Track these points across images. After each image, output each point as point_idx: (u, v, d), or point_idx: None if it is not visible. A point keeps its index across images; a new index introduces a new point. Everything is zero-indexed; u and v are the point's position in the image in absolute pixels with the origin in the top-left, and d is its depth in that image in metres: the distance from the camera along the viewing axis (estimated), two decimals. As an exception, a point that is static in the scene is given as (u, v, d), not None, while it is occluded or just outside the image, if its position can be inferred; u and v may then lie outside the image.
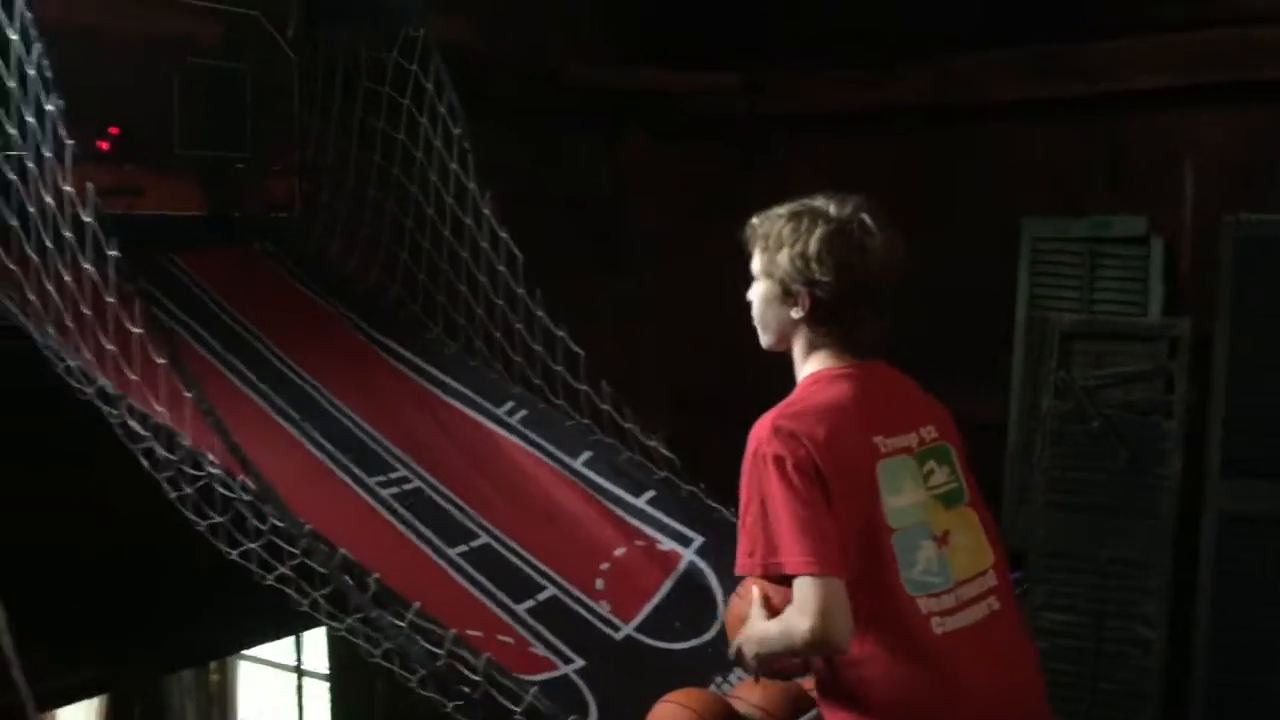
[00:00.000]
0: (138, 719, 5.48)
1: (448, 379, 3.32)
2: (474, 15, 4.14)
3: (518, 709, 2.12)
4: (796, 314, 1.91)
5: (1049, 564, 3.97)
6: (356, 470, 2.87)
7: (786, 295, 1.92)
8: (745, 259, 2.01)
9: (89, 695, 3.72)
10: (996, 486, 4.17)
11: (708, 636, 2.66)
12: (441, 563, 2.68)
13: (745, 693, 2.26)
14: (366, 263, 3.61)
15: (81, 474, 2.98)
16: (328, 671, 5.17)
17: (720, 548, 2.80)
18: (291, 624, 3.84)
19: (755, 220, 1.98)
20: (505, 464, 3.13)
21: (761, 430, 1.82)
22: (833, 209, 1.91)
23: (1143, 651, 3.82)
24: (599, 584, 2.80)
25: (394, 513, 2.78)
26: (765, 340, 1.99)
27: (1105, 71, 4.10)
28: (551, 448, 3.16)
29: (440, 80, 3.31)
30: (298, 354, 3.18)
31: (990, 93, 4.32)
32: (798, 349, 1.95)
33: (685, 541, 2.90)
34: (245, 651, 6.22)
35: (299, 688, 4.89)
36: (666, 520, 2.97)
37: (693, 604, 2.73)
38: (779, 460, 1.78)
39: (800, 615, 1.72)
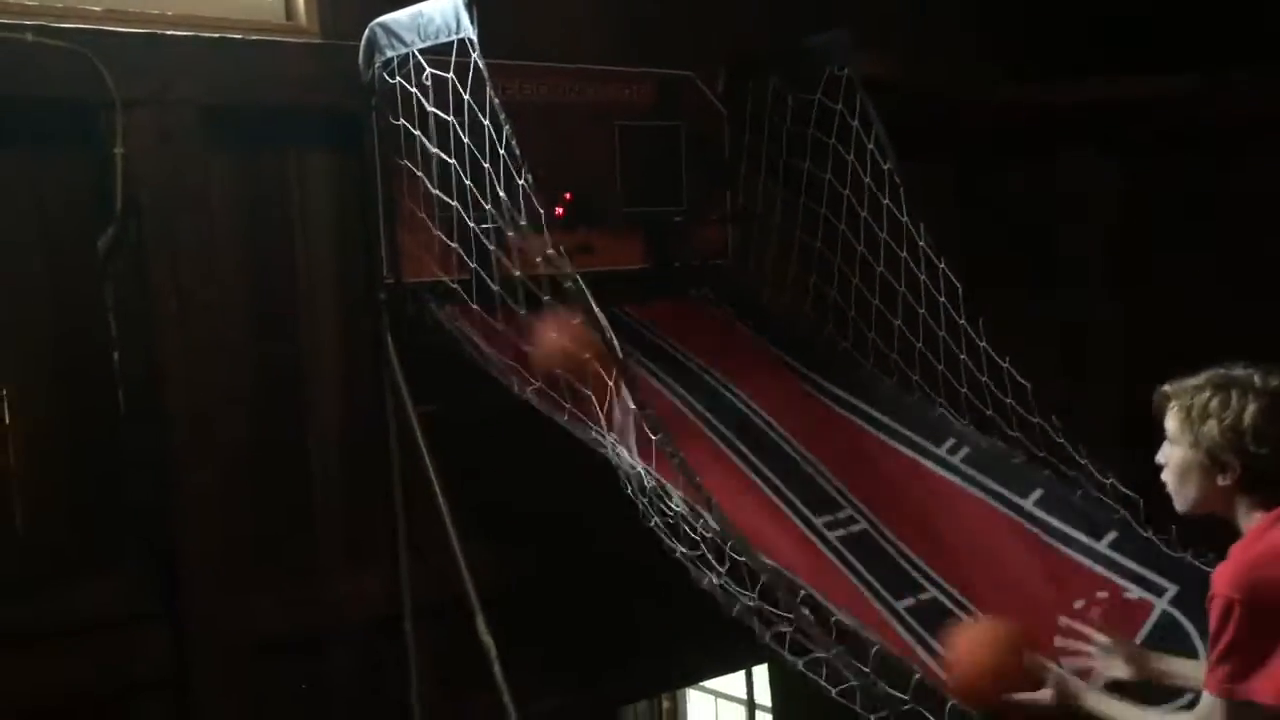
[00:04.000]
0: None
1: (885, 419, 3.27)
2: (896, 47, 4.10)
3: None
4: (1224, 481, 2.02)
5: None
6: (805, 510, 2.86)
7: (1214, 464, 2.02)
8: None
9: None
10: None
11: (1187, 699, 2.42)
12: (888, 616, 2.60)
13: None
14: (798, 302, 3.67)
15: (560, 517, 3.22)
16: (771, 705, 5.27)
17: (1196, 599, 2.55)
18: (746, 658, 3.93)
19: (1169, 388, 2.10)
20: (949, 508, 3.01)
21: (1222, 577, 1.96)
22: (1257, 380, 2.01)
23: None
24: (1058, 641, 2.56)
25: (842, 558, 2.73)
26: (1182, 504, 2.12)
27: None
28: (998, 488, 3.01)
29: (867, 116, 3.31)
30: (749, 391, 3.23)
31: None
32: (1240, 511, 2.05)
33: (1157, 591, 2.66)
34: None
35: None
36: (1132, 566, 2.74)
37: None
38: (1241, 604, 1.91)
39: None
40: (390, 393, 3.11)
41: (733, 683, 5.86)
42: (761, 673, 4.93)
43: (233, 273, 3.00)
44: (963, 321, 3.09)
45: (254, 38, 3.02)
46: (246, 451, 3.03)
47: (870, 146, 3.29)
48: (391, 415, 3.13)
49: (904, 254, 3.22)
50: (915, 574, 2.76)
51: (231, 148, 2.98)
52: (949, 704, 2.19)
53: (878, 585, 2.68)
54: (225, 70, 2.91)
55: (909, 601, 2.65)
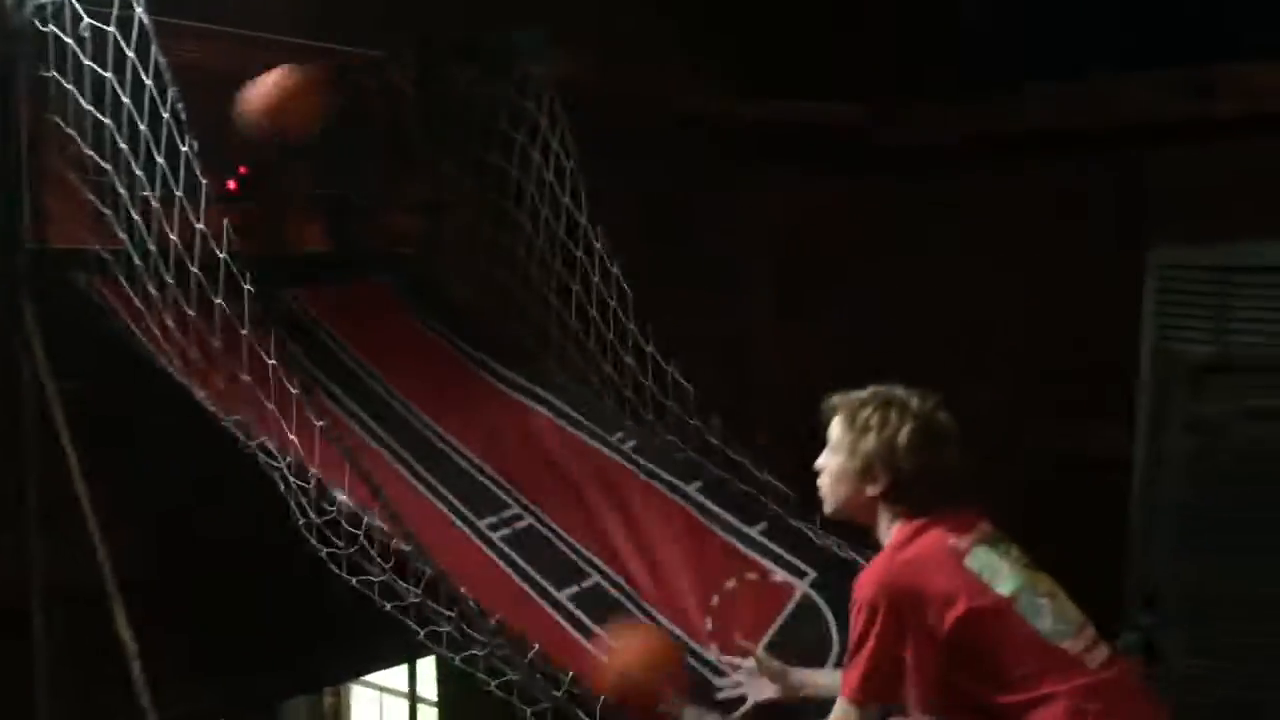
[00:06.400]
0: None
1: (561, 404, 3.34)
2: (593, 52, 4.17)
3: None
4: (872, 491, 2.18)
5: (1182, 605, 3.83)
6: (467, 513, 2.88)
7: (866, 474, 2.17)
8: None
9: None
10: (1120, 524, 4.04)
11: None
12: (549, 607, 2.67)
13: None
14: (483, 295, 3.67)
15: (212, 503, 3.07)
16: (437, 698, 5.25)
17: (836, 583, 2.76)
18: (408, 652, 3.88)
19: (837, 400, 2.25)
20: (617, 490, 3.11)
21: (867, 582, 2.11)
22: (915, 402, 2.18)
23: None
24: (708, 624, 2.74)
25: (505, 557, 2.78)
26: (830, 506, 2.28)
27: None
28: (665, 475, 3.15)
29: (555, 116, 3.35)
30: (410, 390, 3.22)
31: (1123, 115, 4.21)
32: (881, 520, 2.21)
33: (799, 574, 2.85)
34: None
35: (412, 714, 4.95)
36: (780, 551, 2.93)
37: (807, 640, 2.68)
38: (874, 608, 2.06)
39: None
40: (27, 365, 2.87)
41: (397, 677, 5.78)
42: (424, 667, 4.91)
43: None
44: (631, 325, 3.19)
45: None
46: None
47: (555, 147, 3.34)
48: (28, 388, 2.89)
49: (580, 254, 3.29)
50: (579, 562, 2.84)
51: None
52: (600, 700, 2.26)
53: (539, 578, 2.73)
54: None
55: (572, 589, 2.73)
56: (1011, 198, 4.48)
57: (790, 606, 2.78)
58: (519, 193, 3.50)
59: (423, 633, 2.37)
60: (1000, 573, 2.09)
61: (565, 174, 3.32)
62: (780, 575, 2.86)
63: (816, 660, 2.60)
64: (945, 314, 4.50)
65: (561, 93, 3.42)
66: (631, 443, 3.23)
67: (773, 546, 2.94)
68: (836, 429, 2.24)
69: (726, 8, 4.59)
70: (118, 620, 2.80)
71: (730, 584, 2.83)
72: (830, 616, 2.71)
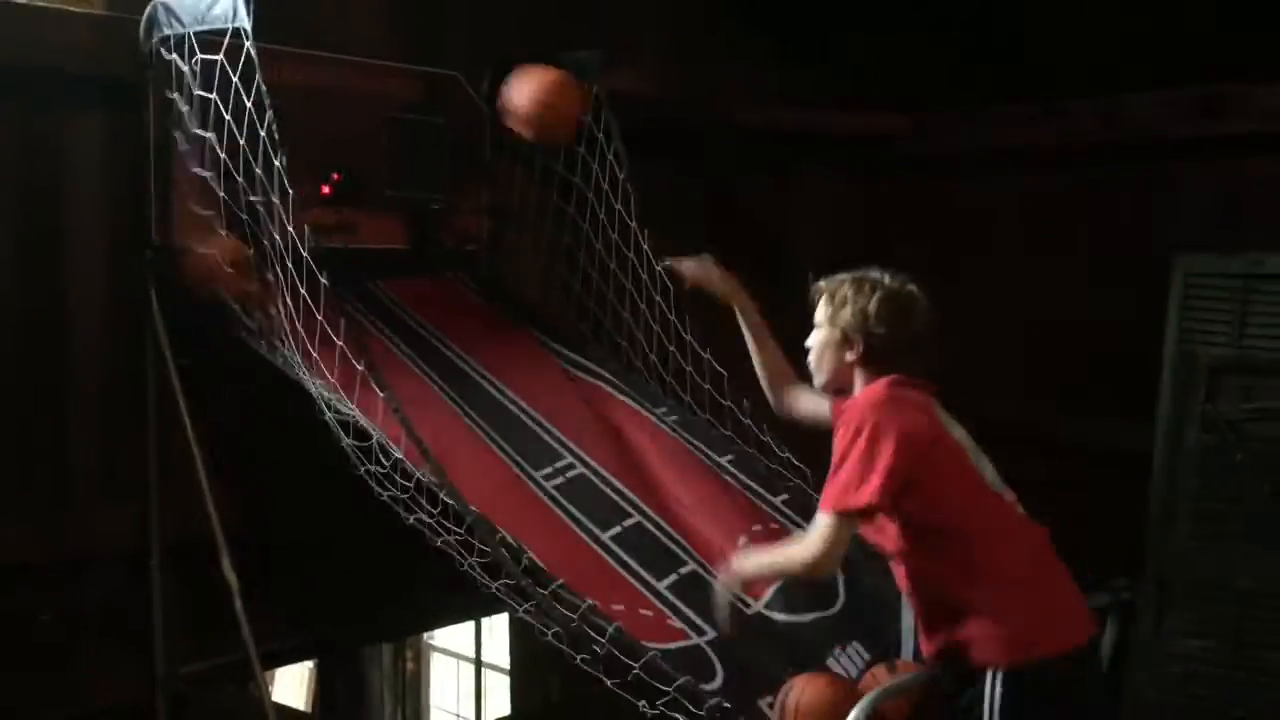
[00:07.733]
0: (341, 697, 6.10)
1: (613, 378, 3.74)
2: (652, 65, 4.55)
3: (637, 665, 2.49)
4: (850, 357, 2.50)
5: (1190, 591, 4.09)
6: (525, 465, 3.27)
7: (844, 342, 2.50)
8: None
9: (299, 660, 4.24)
10: (1141, 514, 4.28)
11: (830, 612, 3.00)
12: (594, 546, 3.04)
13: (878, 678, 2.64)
14: (543, 290, 4.07)
15: (306, 468, 3.43)
16: (508, 666, 5.68)
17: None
18: (471, 611, 4.30)
19: (822, 283, 2.57)
20: (659, 451, 3.49)
21: (854, 406, 2.44)
22: (886, 279, 2.50)
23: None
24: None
25: (556, 502, 3.16)
26: (819, 379, 2.61)
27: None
28: (701, 446, 3.54)
29: (609, 129, 3.74)
30: (478, 356, 3.64)
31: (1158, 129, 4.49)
32: (858, 383, 2.52)
33: None
34: (437, 644, 6.83)
35: (478, 678, 5.38)
36: (798, 518, 3.31)
37: (815, 588, 3.03)
38: (859, 428, 2.34)
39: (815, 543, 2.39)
40: (151, 345, 3.34)
41: (472, 646, 6.20)
42: (489, 631, 5.31)
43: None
44: (673, 317, 3.56)
45: (39, 4, 3.19)
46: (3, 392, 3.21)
47: (610, 157, 3.73)
48: (151, 365, 3.36)
49: (630, 254, 3.67)
50: (624, 504, 3.21)
51: (7, 105, 3.16)
52: (615, 625, 2.59)
53: (587, 521, 3.11)
54: (4, 32, 3.08)
55: (615, 530, 3.11)
56: (1041, 205, 4.78)
57: None
58: (578, 198, 3.89)
59: (467, 561, 2.73)
60: (954, 426, 2.47)
61: (618, 181, 3.70)
62: (797, 533, 3.19)
63: (823, 607, 2.99)
64: (975, 309, 4.79)
65: (622, 105, 3.79)
66: (674, 418, 3.62)
67: (790, 512, 3.33)
68: (821, 308, 2.58)
69: (780, 24, 4.94)
70: (224, 565, 3.25)
71: (757, 527, 3.21)
72: (839, 573, 3.04)
